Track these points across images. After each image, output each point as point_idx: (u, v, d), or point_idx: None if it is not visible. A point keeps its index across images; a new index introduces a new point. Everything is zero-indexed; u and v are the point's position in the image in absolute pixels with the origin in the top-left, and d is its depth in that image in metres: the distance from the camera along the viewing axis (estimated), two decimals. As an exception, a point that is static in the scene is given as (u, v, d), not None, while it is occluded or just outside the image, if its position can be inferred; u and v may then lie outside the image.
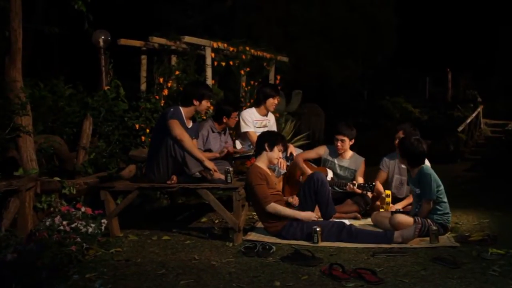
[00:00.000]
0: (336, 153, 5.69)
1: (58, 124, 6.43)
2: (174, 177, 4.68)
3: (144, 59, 7.78)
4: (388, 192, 5.38)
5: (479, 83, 17.82)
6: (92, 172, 6.06)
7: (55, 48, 13.41)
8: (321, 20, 13.56)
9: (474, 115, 14.95)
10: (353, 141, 5.66)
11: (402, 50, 17.18)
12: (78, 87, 6.84)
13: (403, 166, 5.55)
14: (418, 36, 19.36)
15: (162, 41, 7.47)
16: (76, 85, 6.85)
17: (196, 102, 4.81)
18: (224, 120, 5.58)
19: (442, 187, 4.67)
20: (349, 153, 5.72)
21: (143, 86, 7.72)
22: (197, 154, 4.57)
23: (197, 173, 4.62)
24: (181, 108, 4.81)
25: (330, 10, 13.71)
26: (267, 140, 4.67)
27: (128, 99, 7.07)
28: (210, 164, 4.55)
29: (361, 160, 5.70)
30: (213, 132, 5.54)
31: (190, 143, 4.58)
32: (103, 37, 7.56)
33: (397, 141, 5.49)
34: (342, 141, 5.59)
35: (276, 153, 4.66)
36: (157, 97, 7.14)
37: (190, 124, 4.88)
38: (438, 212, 4.61)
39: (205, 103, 4.88)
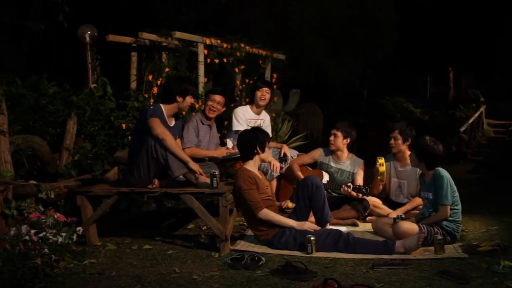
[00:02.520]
0: (332, 155, 5.34)
1: (40, 124, 6.12)
2: (156, 181, 4.32)
3: (134, 56, 7.48)
4: (381, 160, 4.96)
5: (481, 83, 17.46)
6: (75, 174, 5.73)
7: (42, 44, 13.11)
8: (320, 17, 13.25)
9: (476, 115, 14.63)
10: (348, 140, 5.31)
11: (403, 49, 16.87)
12: (64, 85, 6.53)
13: (400, 168, 5.20)
14: (419, 34, 19.07)
15: (153, 37, 7.16)
16: (62, 83, 6.54)
17: (179, 99, 4.42)
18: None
19: (457, 194, 4.32)
20: (347, 154, 5.37)
21: (133, 84, 7.41)
22: (181, 154, 4.21)
23: (181, 176, 4.26)
24: (162, 106, 4.44)
25: (329, 6, 13.37)
26: (258, 142, 4.29)
27: (117, 97, 6.76)
28: (195, 166, 4.19)
29: (360, 162, 5.34)
30: (202, 124, 5.17)
31: (173, 143, 4.21)
32: (89, 32, 7.27)
33: (392, 141, 5.15)
34: (335, 135, 5.28)
35: (268, 151, 4.39)
36: (146, 95, 6.83)
37: (172, 123, 4.51)
38: (449, 218, 4.24)
39: (189, 100, 4.48)
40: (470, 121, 14.14)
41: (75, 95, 6.37)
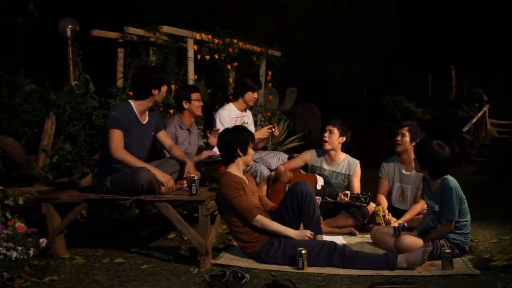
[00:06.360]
0: (324, 156, 4.89)
1: (15, 124, 5.72)
2: None
3: (120, 52, 7.10)
4: (378, 208, 4.53)
5: (484, 81, 17.27)
6: (52, 178, 5.34)
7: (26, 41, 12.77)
8: (317, 12, 12.92)
9: (479, 114, 14.47)
10: (344, 138, 4.86)
11: (404, 46, 16.57)
12: (45, 82, 6.15)
13: (405, 171, 4.75)
14: (420, 31, 18.74)
15: (139, 32, 6.79)
16: (42, 80, 6.16)
17: (155, 91, 3.95)
18: (186, 106, 4.73)
19: (466, 205, 3.86)
20: (341, 155, 4.92)
21: (120, 82, 7.04)
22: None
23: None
24: (132, 103, 3.98)
25: (327, 1, 13.07)
26: (238, 144, 3.82)
27: (101, 96, 6.38)
28: (163, 177, 3.76)
29: (355, 163, 4.88)
30: (181, 129, 4.72)
31: (131, 160, 3.76)
32: (70, 26, 6.87)
33: (399, 137, 4.70)
34: (330, 131, 4.82)
35: (251, 154, 3.88)
36: (130, 93, 6.42)
37: (145, 119, 4.03)
38: (457, 231, 3.78)
39: (164, 89, 4.02)
40: (473, 121, 13.97)
41: (54, 93, 5.97)
